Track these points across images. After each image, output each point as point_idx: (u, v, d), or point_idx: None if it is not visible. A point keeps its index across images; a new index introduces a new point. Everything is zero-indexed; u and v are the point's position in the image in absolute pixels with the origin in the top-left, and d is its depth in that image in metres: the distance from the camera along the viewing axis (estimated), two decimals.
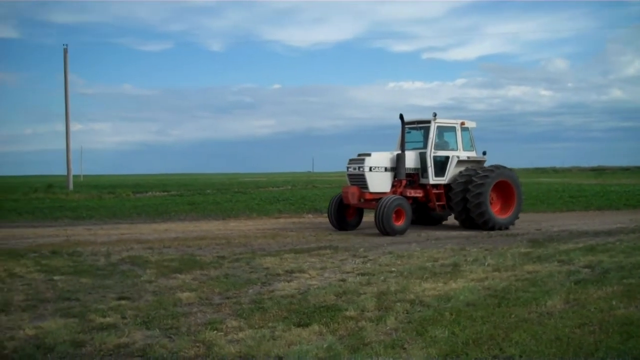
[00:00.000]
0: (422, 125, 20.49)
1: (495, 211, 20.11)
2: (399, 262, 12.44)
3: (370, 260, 12.90)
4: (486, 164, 20.89)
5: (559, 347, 6.56)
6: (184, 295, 9.39)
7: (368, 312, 8.15)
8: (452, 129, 20.65)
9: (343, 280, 10.57)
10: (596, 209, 28.83)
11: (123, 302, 9.00)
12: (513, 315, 7.87)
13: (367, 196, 19.33)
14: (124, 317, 8.00)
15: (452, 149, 20.55)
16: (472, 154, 20.94)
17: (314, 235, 18.19)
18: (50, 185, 47.76)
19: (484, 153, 21.35)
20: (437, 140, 20.11)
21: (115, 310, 8.36)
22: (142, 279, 10.92)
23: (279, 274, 11.33)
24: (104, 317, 8.00)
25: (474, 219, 19.62)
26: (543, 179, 71.27)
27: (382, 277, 10.66)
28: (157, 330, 7.40)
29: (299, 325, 7.53)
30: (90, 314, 8.17)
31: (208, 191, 45.35)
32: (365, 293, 9.32)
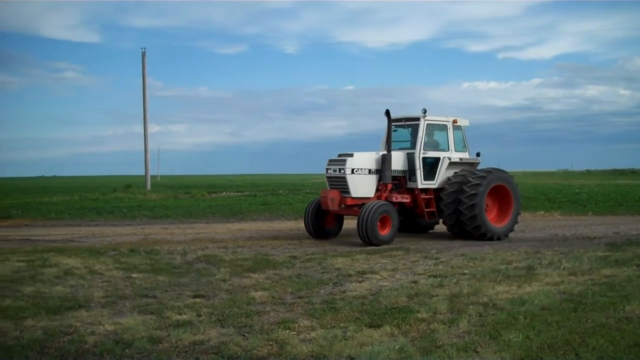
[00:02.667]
0: (410, 123, 18.40)
1: (490, 219, 17.94)
2: (471, 265, 12.30)
3: (442, 262, 12.80)
4: (480, 166, 18.85)
5: (637, 354, 6.38)
6: (257, 294, 9.53)
7: (440, 314, 8.10)
8: (444, 127, 18.54)
9: (415, 281, 10.52)
10: None
11: (198, 300, 9.20)
12: (590, 320, 7.68)
13: (349, 201, 17.15)
14: (199, 315, 8.18)
15: (443, 150, 18.41)
16: (465, 155, 18.88)
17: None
18: (128, 185, 49.09)
19: (478, 154, 19.31)
20: (426, 140, 17.99)
21: (191, 308, 8.55)
22: (216, 277, 11.14)
23: (350, 275, 11.36)
24: (180, 314, 8.19)
25: (467, 229, 17.47)
26: (621, 180, 69.12)
27: (454, 279, 10.56)
28: (231, 328, 7.53)
29: (370, 326, 7.54)
30: (166, 311, 8.38)
31: (281, 192, 45.78)
32: (437, 295, 9.26)
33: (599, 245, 15.31)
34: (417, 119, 17.99)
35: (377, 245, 15.87)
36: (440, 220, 18.41)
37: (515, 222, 18.47)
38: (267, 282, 10.66)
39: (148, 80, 48.44)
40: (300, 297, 9.39)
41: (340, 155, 17.48)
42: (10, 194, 47.18)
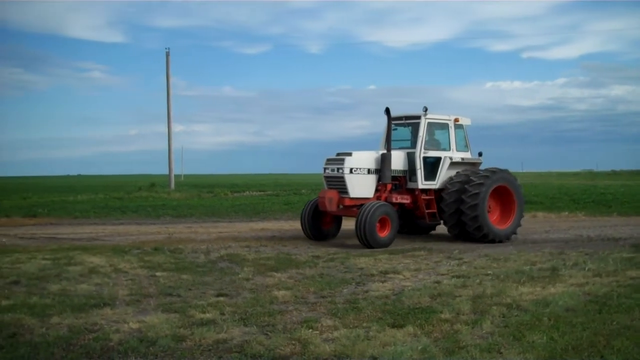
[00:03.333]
0: (411, 122, 17.80)
1: (493, 221, 17.40)
2: (495, 265, 12.23)
3: (466, 262, 12.74)
4: (482, 167, 18.32)
5: None
6: (280, 293, 9.56)
7: (463, 315, 8.07)
8: (445, 126, 18.00)
9: (438, 282, 10.49)
10: None
11: (222, 298, 9.25)
12: (615, 322, 7.61)
13: (347, 202, 16.62)
14: (222, 314, 8.22)
15: (445, 149, 17.88)
16: (467, 155, 18.38)
17: (408, 236, 18.11)
18: (153, 184, 49.55)
19: (480, 154, 18.75)
20: (427, 139, 17.40)
21: (214, 307, 8.60)
22: (239, 276, 11.19)
23: (373, 275, 11.36)
24: (204, 313, 8.24)
25: (469, 232, 16.94)
26: None
27: (477, 280, 10.51)
28: (254, 327, 7.56)
29: (393, 326, 7.54)
30: (190, 309, 8.43)
31: (303, 191, 45.81)
32: (460, 296, 9.22)
33: (624, 246, 15.14)
34: (418, 118, 17.48)
35: (376, 247, 15.34)
36: (442, 222, 17.78)
37: (518, 224, 17.90)
38: (289, 282, 10.69)
39: (172, 80, 48.75)
40: (322, 297, 9.41)
41: (338, 154, 16.97)
42: (36, 192, 47.70)
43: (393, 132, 17.42)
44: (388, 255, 13.91)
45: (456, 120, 18.08)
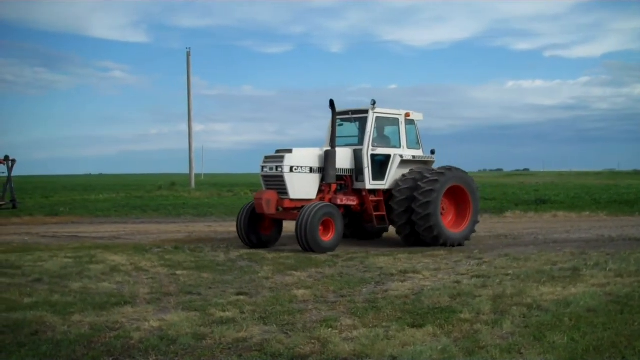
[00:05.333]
0: (358, 116, 16.52)
1: (446, 223, 16.22)
2: (515, 265, 12.16)
3: (486, 262, 12.68)
4: (435, 165, 17.22)
5: None
6: (300, 292, 9.57)
7: (483, 315, 8.03)
8: (395, 121, 16.68)
9: (457, 282, 10.45)
10: None
11: (241, 297, 9.28)
12: (637, 323, 7.52)
13: (287, 204, 15.17)
14: (242, 312, 8.24)
15: (394, 146, 16.60)
16: (419, 153, 17.12)
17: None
18: (173, 183, 49.77)
19: (433, 152, 17.54)
20: (375, 135, 16.12)
21: (234, 305, 8.63)
22: (259, 275, 11.23)
23: (392, 274, 11.34)
24: (224, 311, 8.27)
25: (420, 234, 15.74)
26: None
27: (497, 280, 10.45)
28: (274, 326, 7.57)
29: (413, 325, 7.51)
30: (210, 308, 8.46)
31: None
32: (480, 295, 9.18)
33: None
34: (365, 112, 16.15)
35: (319, 252, 14.13)
36: (390, 225, 16.61)
37: (473, 227, 16.83)
38: (309, 281, 10.71)
39: (193, 79, 49.13)
40: (342, 296, 9.41)
41: (278, 151, 15.57)
42: (58, 191, 48.10)
43: (339, 128, 16.30)
44: (408, 254, 13.89)
45: (407, 115, 16.86)
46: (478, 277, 10.83)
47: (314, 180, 15.49)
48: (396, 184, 16.08)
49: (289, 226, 16.42)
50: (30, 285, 10.15)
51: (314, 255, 13.77)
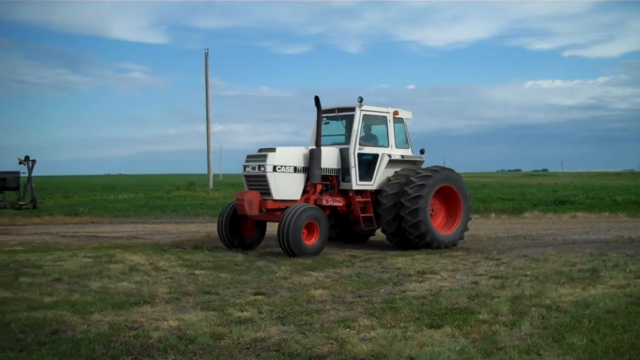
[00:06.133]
0: (344, 114, 15.78)
1: (437, 226, 15.66)
2: (533, 266, 12.09)
3: (504, 263, 12.62)
4: (425, 165, 16.55)
5: None
6: (317, 292, 9.58)
7: (502, 316, 7.99)
8: (383, 119, 16.02)
9: (475, 282, 10.41)
10: None
11: (259, 297, 9.31)
12: None
13: (270, 205, 14.47)
14: (260, 312, 8.27)
15: (382, 146, 15.93)
16: (408, 152, 16.42)
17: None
18: (191, 184, 49.99)
19: (422, 151, 16.89)
20: (363, 134, 15.62)
21: (252, 305, 8.66)
22: (277, 275, 11.26)
23: (410, 275, 11.33)
24: (242, 311, 8.30)
25: (409, 238, 15.06)
26: None
27: (516, 281, 10.40)
28: (292, 326, 7.58)
29: (430, 326, 7.50)
30: (228, 308, 8.49)
31: None
32: (498, 296, 9.14)
33: None
34: (352, 110, 15.49)
35: (302, 257, 13.40)
36: (379, 228, 16.08)
37: (464, 228, 16.21)
38: (327, 281, 10.72)
39: (211, 80, 49.31)
40: (360, 296, 9.41)
41: (260, 150, 14.86)
42: (78, 191, 48.44)
43: (325, 126, 15.79)
44: (425, 255, 13.86)
45: (395, 113, 16.15)
46: (496, 277, 10.78)
47: (298, 181, 14.81)
48: (382, 189, 15.41)
49: (274, 227, 15.81)
50: (50, 284, 10.24)
51: (331, 255, 13.78)
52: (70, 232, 19.50)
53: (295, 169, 14.69)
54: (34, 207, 21.18)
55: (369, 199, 15.52)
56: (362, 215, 15.32)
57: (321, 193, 15.23)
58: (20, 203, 20.27)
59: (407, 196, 14.78)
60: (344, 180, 15.48)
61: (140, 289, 9.94)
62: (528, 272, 11.26)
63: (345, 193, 15.50)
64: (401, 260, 12.99)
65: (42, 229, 20.93)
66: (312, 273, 11.51)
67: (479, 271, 11.64)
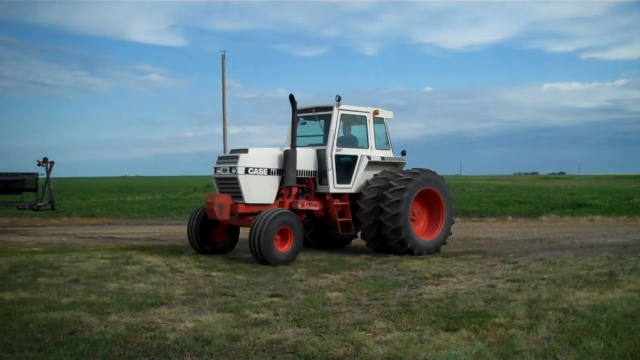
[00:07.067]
0: (322, 114, 15.02)
1: (418, 231, 14.98)
2: (550, 270, 12.02)
3: (521, 266, 12.55)
4: (406, 167, 15.81)
5: None
6: (333, 294, 9.59)
7: (518, 319, 7.96)
8: (362, 119, 15.28)
9: (492, 286, 10.37)
10: None
11: (275, 299, 9.33)
12: None
13: (242, 209, 13.65)
14: (276, 314, 8.29)
15: (362, 147, 15.16)
16: (388, 154, 15.72)
17: (462, 239, 17.92)
18: (208, 185, 49.93)
19: (404, 153, 16.19)
20: (341, 134, 14.86)
21: (268, 307, 8.68)
22: (293, 277, 11.27)
23: (426, 277, 11.30)
24: (258, 313, 8.32)
25: (390, 244, 14.45)
26: None
27: (533, 284, 10.35)
28: (308, 328, 7.60)
29: (447, 329, 7.48)
30: (244, 309, 8.51)
31: None
32: (515, 300, 9.10)
33: None
34: (330, 109, 14.72)
35: (274, 265, 12.65)
36: (358, 234, 15.52)
37: (447, 234, 15.53)
38: (342, 283, 10.72)
39: (228, 82, 49.35)
40: (375, 299, 9.41)
41: (232, 152, 14.23)
42: (95, 193, 48.78)
43: (302, 127, 15.20)
44: (442, 258, 13.83)
45: (375, 112, 15.44)
46: (513, 281, 10.73)
47: (272, 183, 14.03)
48: (363, 188, 14.79)
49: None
50: (68, 285, 10.31)
51: (347, 258, 13.78)
52: (87, 234, 19.62)
53: (269, 171, 13.95)
54: (52, 208, 21.33)
55: (347, 203, 14.83)
56: (339, 219, 14.62)
57: (297, 196, 14.50)
58: (39, 204, 20.42)
59: (386, 201, 14.20)
60: (321, 183, 14.76)
61: (157, 290, 9.98)
62: (545, 276, 11.21)
63: (322, 196, 14.80)
64: (417, 263, 12.97)
65: (60, 230, 21.10)
66: (328, 275, 11.52)
67: (495, 274, 11.59)
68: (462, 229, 21.55)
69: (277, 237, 12.97)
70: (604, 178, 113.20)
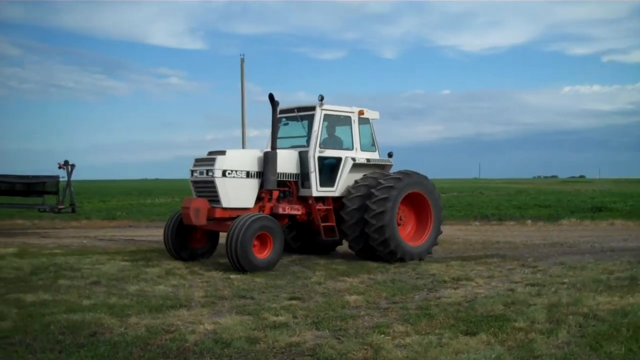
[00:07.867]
0: (304, 114, 14.43)
1: (405, 236, 14.39)
2: (570, 274, 11.94)
3: (540, 270, 12.48)
4: (393, 170, 15.26)
5: None
6: (352, 298, 9.59)
7: (538, 324, 7.91)
8: (347, 120, 14.67)
9: (511, 290, 10.32)
10: None
11: (294, 302, 9.36)
12: None
13: (219, 213, 12.99)
14: (295, 317, 8.31)
15: (346, 148, 14.58)
16: (374, 156, 15.09)
17: (481, 243, 17.84)
18: None
19: (390, 155, 15.56)
20: (325, 135, 14.31)
21: (287, 310, 8.70)
22: (311, 280, 11.29)
23: (445, 281, 11.27)
24: (277, 315, 8.35)
25: (374, 248, 13.87)
26: None
27: (552, 289, 10.28)
28: (327, 331, 7.61)
29: (466, 333, 7.46)
30: (263, 312, 8.55)
31: None
32: (535, 304, 9.04)
33: None
34: (312, 109, 14.16)
35: (252, 271, 12.07)
36: (342, 239, 14.95)
37: (435, 239, 14.99)
38: (361, 287, 10.72)
39: (248, 85, 49.39)
40: (394, 302, 9.40)
41: (210, 153, 13.51)
42: (115, 195, 49.09)
43: (284, 127, 14.64)
44: (461, 261, 13.77)
45: (361, 113, 14.81)
46: (533, 285, 10.67)
47: (251, 187, 13.41)
48: (348, 191, 14.26)
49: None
50: (88, 287, 10.41)
51: (365, 261, 13.77)
52: (108, 236, 19.77)
53: (248, 174, 13.34)
54: (73, 211, 21.47)
55: (331, 207, 14.25)
56: (323, 224, 14.06)
57: (278, 200, 13.97)
58: (60, 207, 20.57)
59: (373, 198, 13.69)
60: (303, 186, 14.20)
61: (177, 292, 10.04)
62: (565, 280, 11.13)
63: (305, 200, 14.23)
64: (436, 267, 12.93)
65: (80, 232, 21.27)
66: (347, 279, 11.52)
67: (514, 278, 11.53)
68: (481, 232, 21.49)
69: (256, 242, 12.42)
70: (624, 181, 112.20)
